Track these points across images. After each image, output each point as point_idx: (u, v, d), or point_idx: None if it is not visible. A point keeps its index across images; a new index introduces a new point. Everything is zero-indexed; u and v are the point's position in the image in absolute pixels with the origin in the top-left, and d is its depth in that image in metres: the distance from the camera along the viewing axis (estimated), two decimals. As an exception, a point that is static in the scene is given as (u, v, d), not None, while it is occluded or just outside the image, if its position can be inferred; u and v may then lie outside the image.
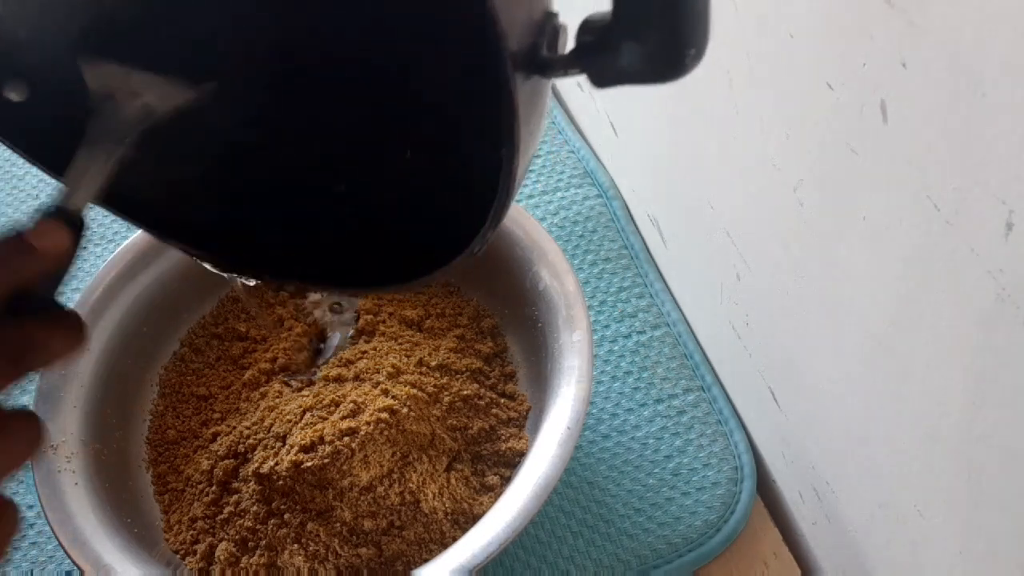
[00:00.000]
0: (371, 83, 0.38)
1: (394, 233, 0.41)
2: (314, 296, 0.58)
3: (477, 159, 0.32)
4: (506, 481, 0.48)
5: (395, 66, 0.36)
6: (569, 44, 0.28)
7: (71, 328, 0.32)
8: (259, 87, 0.40)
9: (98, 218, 0.70)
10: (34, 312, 0.31)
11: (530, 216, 0.54)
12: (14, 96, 0.39)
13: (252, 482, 0.48)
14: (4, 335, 0.30)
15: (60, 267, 0.33)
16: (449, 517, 0.47)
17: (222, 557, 0.47)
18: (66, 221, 0.33)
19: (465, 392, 0.51)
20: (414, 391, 0.49)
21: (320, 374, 0.53)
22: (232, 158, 0.42)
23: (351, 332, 0.56)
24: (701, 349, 0.60)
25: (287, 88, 0.40)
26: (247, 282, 0.47)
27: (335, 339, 0.56)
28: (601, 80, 0.28)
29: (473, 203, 0.32)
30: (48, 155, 0.42)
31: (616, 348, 0.59)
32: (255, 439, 0.49)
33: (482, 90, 0.28)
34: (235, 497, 0.48)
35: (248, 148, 0.41)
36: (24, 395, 0.60)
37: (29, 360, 0.30)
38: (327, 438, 0.46)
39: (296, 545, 0.46)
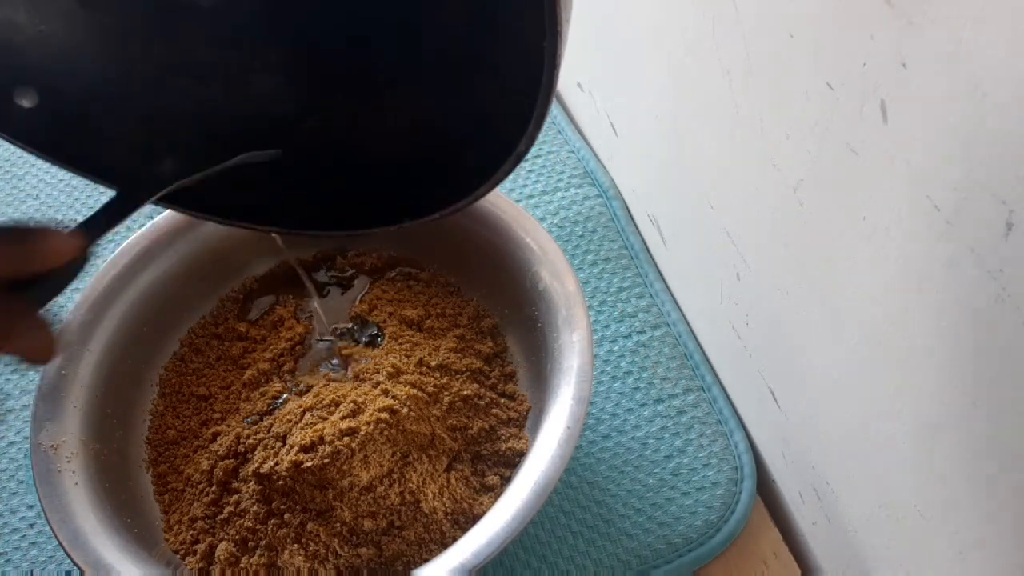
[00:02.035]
0: None
1: (432, 161, 0.43)
2: (314, 297, 0.58)
3: (511, 64, 0.33)
4: (506, 481, 0.48)
5: None
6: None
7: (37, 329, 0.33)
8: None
9: (98, 218, 0.70)
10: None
11: (530, 216, 0.54)
12: (25, 103, 0.39)
13: (252, 482, 0.48)
14: None
15: (54, 272, 0.33)
16: (449, 517, 0.47)
17: (222, 557, 0.47)
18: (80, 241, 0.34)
19: (465, 392, 0.51)
20: (414, 391, 0.49)
21: (319, 374, 0.53)
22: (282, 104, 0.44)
23: (349, 328, 0.56)
24: (701, 349, 0.60)
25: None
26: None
27: (333, 340, 0.56)
28: None
29: (508, 111, 0.34)
30: (65, 153, 0.42)
31: (616, 348, 0.59)
32: (255, 439, 0.49)
33: None
34: (235, 497, 0.48)
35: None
36: (24, 395, 0.60)
37: None
38: (327, 438, 0.46)
39: (296, 545, 0.46)
